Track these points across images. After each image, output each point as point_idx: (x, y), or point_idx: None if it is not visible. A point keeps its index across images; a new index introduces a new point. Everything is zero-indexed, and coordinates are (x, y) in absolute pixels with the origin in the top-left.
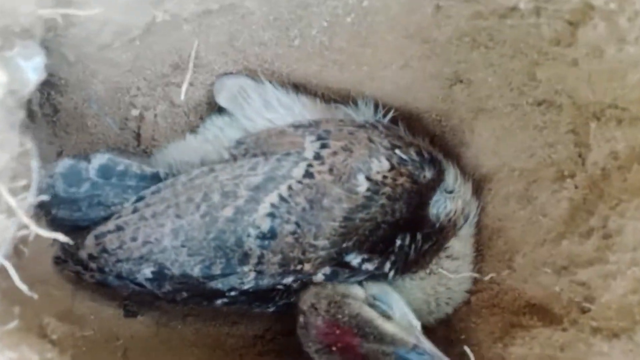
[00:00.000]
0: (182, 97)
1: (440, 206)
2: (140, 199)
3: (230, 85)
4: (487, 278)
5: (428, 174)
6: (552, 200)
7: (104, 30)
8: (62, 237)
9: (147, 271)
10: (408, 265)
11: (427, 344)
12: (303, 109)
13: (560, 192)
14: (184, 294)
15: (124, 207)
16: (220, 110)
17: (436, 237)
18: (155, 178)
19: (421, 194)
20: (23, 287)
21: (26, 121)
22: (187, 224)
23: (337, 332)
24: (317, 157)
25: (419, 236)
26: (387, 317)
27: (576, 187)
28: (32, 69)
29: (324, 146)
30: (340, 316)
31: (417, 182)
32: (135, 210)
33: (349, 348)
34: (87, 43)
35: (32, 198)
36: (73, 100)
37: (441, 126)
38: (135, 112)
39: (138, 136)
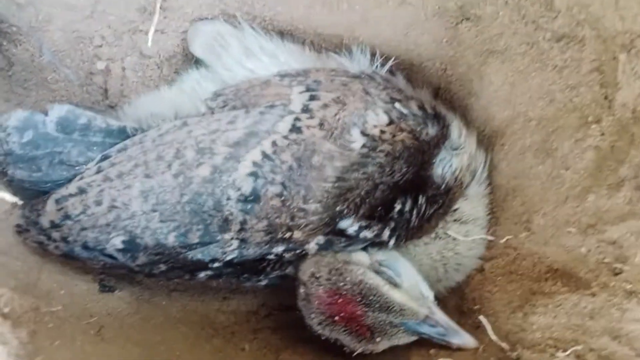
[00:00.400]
0: (149, 43)
1: (446, 165)
2: (104, 158)
3: (205, 32)
4: (503, 241)
5: (431, 130)
6: (575, 150)
7: None
8: (8, 197)
9: (116, 241)
10: (410, 232)
11: (440, 315)
12: (289, 58)
13: (584, 140)
14: (162, 267)
15: (87, 168)
16: (197, 63)
17: (442, 199)
18: (122, 133)
19: (423, 152)
20: None
21: None
22: (158, 185)
23: (340, 301)
24: (306, 110)
25: (421, 199)
26: (395, 284)
27: (602, 134)
28: None
29: (313, 98)
30: (342, 284)
31: (419, 139)
32: (99, 171)
33: (353, 318)
34: None
35: None
36: (29, 51)
37: (446, 76)
38: (100, 65)
39: (105, 92)
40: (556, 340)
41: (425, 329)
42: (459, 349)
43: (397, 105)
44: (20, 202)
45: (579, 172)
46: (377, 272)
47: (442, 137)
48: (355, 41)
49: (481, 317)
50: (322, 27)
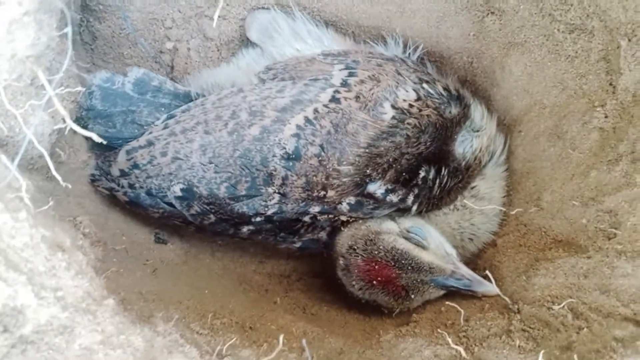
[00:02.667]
0: (214, 24)
1: (467, 145)
2: (170, 116)
3: (262, 19)
4: (513, 213)
5: (454, 109)
6: (582, 132)
7: None
8: (95, 137)
9: (176, 188)
10: (432, 200)
11: (464, 269)
12: (332, 42)
13: (590, 122)
14: (212, 218)
15: (155, 125)
16: (251, 49)
17: (462, 175)
18: (187, 97)
19: (446, 128)
20: (58, 177)
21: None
22: (215, 140)
23: (376, 267)
24: (344, 84)
25: (444, 171)
26: (422, 247)
27: (606, 117)
28: None
29: (351, 74)
30: (376, 252)
31: (443, 116)
32: (165, 127)
33: (389, 281)
34: None
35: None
36: (110, 28)
37: (472, 69)
38: (169, 45)
39: (172, 69)
40: (554, 297)
41: (453, 282)
42: (483, 297)
43: (424, 85)
44: (103, 143)
45: (585, 152)
46: (406, 238)
47: (464, 116)
48: (391, 32)
49: (487, 272)
50: (363, 19)
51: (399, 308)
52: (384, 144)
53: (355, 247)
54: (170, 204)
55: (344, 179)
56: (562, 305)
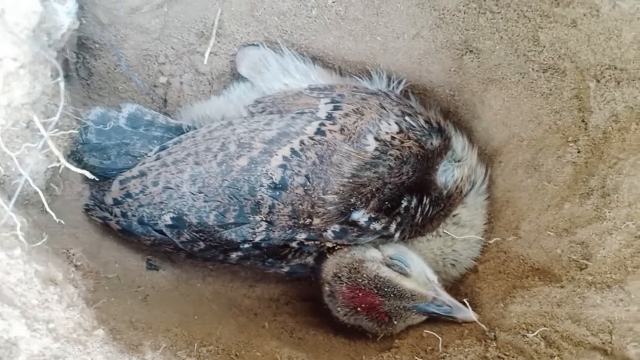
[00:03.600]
0: (205, 61)
1: (449, 175)
2: (163, 148)
3: (251, 55)
4: (492, 242)
5: (435, 141)
6: (557, 166)
7: None
8: (88, 174)
9: (167, 217)
10: (414, 228)
11: (445, 296)
12: (319, 77)
13: (564, 157)
14: (201, 245)
15: (148, 156)
16: (242, 82)
17: (443, 203)
18: (179, 130)
19: (428, 159)
20: (52, 213)
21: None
22: (205, 171)
23: (360, 294)
24: (330, 117)
25: (426, 200)
26: (405, 274)
27: (579, 152)
28: (65, 13)
29: (336, 108)
30: (360, 280)
31: (424, 148)
32: (157, 158)
33: (372, 307)
34: (119, 5)
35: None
36: (106, 64)
37: (455, 101)
38: (163, 80)
39: (165, 102)
40: (528, 325)
41: (434, 309)
42: (463, 323)
43: (407, 118)
44: (96, 179)
45: (559, 184)
46: (389, 265)
47: (445, 147)
48: (376, 68)
49: (465, 300)
50: (348, 55)
51: (382, 333)
52: (367, 174)
53: (340, 275)
54: (161, 232)
55: (329, 208)
56: (535, 333)
